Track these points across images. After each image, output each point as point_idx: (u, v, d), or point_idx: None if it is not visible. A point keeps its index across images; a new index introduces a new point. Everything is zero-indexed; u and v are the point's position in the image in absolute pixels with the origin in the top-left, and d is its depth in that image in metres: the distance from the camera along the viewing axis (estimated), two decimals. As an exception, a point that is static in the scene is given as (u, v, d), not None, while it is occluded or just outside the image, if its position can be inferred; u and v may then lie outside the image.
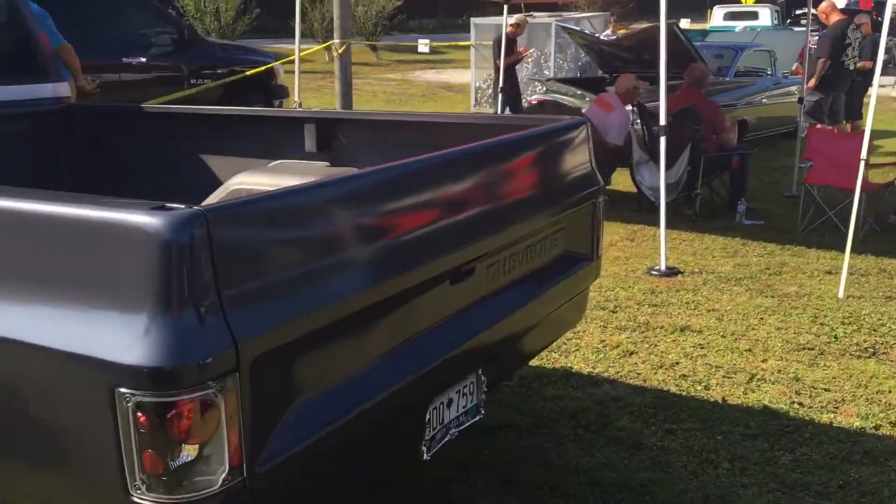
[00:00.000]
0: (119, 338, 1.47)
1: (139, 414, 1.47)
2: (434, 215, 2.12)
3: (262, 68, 10.27)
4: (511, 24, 11.08)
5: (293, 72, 9.94)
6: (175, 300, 1.47)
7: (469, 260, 2.26)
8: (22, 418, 1.64)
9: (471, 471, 3.00)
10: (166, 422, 1.47)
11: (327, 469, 1.84)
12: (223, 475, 1.55)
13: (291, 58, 12.95)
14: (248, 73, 10.10)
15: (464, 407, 2.46)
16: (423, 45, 18.15)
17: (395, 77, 21.87)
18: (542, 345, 3.05)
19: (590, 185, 2.94)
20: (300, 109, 3.68)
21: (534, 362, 3.86)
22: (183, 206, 1.51)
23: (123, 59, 9.28)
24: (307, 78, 20.02)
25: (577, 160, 2.91)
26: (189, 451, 1.51)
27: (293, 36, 9.95)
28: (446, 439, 2.38)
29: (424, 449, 2.27)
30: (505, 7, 10.87)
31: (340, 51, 11.33)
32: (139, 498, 1.52)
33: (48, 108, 4.08)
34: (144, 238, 1.47)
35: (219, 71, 10.20)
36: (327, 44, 12.71)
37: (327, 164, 3.11)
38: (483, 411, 2.54)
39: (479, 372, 2.49)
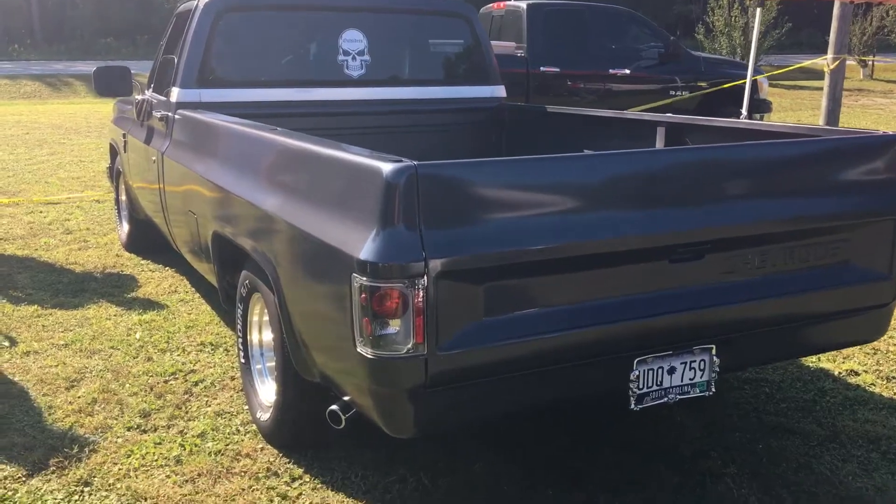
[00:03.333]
0: (358, 240, 2.25)
1: (362, 294, 2.24)
2: (636, 201, 2.52)
3: (740, 82, 10.44)
4: None
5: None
6: (390, 222, 2.20)
7: (687, 243, 2.58)
8: (310, 282, 2.58)
9: (737, 459, 3.19)
10: (374, 301, 2.21)
11: (501, 378, 2.40)
12: (409, 346, 2.24)
13: (774, 72, 12.77)
14: (724, 86, 10.38)
15: (690, 379, 2.76)
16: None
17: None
18: (806, 348, 3.10)
19: (890, 203, 2.91)
20: (653, 115, 4.11)
21: (875, 388, 3.76)
22: (406, 160, 2.23)
23: (610, 70, 10.33)
24: (806, 94, 19.16)
25: (876, 176, 2.90)
26: (389, 325, 2.23)
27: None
28: (663, 401, 2.73)
29: (633, 400, 2.67)
30: None
31: (832, 66, 10.92)
32: (360, 349, 2.30)
33: (487, 105, 5.16)
34: (379, 178, 2.23)
35: (700, 83, 10.66)
36: (817, 59, 12.23)
37: None
38: (714, 389, 2.80)
39: (713, 353, 2.75)
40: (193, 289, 5.25)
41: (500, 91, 5.23)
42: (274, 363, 3.42)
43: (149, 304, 4.95)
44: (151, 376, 3.93)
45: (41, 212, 7.48)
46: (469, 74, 5.19)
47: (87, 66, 25.13)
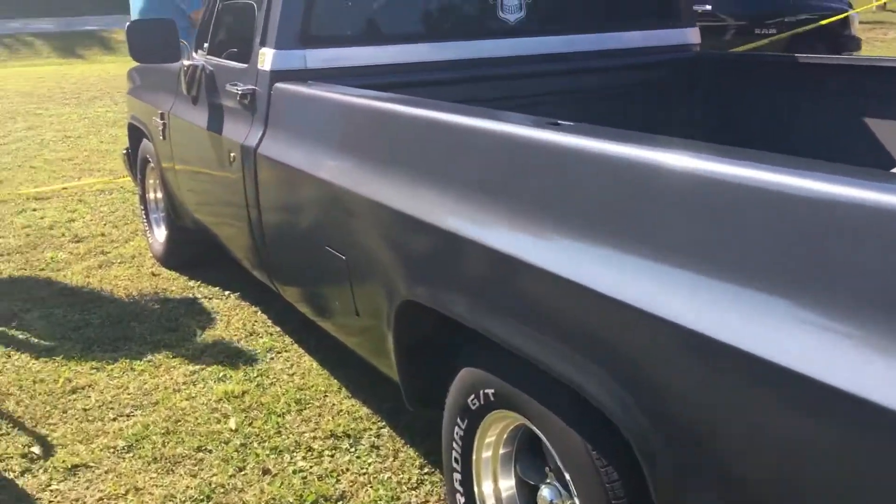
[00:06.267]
0: None
1: None
2: None
3: (838, 17, 9.01)
4: None
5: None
6: None
7: None
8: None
9: None
10: None
11: None
12: None
13: (871, 4, 11.31)
14: (822, 22, 8.94)
15: None
16: None
17: None
18: None
19: None
20: None
21: None
22: None
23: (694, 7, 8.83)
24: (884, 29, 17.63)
25: None
26: None
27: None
28: None
29: None
30: None
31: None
32: None
33: (679, 56, 3.70)
34: None
35: (786, 20, 9.23)
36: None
37: None
38: None
39: None
40: (278, 328, 3.78)
41: (693, 35, 3.77)
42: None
43: (229, 361, 3.47)
44: (282, 511, 2.50)
45: (35, 209, 5.90)
46: (652, 13, 3.72)
47: (45, 23, 23.02)
